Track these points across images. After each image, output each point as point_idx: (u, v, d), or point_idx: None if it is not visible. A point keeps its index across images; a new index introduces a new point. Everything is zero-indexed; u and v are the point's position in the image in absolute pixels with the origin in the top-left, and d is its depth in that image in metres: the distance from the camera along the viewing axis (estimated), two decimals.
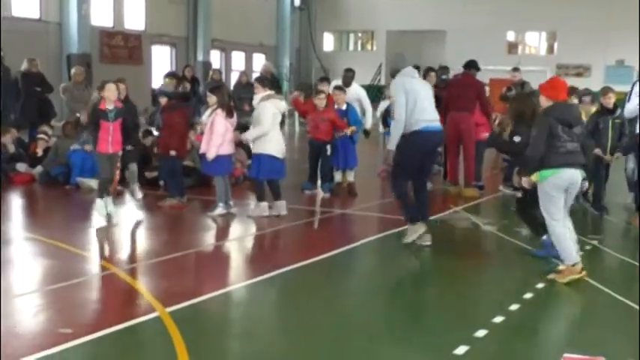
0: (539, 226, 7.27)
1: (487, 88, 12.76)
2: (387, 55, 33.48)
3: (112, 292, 6.48)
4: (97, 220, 9.10)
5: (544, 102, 6.80)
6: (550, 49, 33.43)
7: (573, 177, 6.69)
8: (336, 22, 35.64)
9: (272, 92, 9.69)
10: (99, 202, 9.14)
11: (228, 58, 31.03)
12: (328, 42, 37.11)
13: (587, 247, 8.02)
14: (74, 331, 5.15)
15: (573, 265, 6.75)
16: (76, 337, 5.06)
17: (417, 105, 7.72)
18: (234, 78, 23.48)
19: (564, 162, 6.60)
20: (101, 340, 5.09)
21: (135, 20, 26.15)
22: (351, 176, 11.47)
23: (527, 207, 7.48)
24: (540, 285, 6.70)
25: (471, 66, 11.77)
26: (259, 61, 30.52)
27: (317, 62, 34.01)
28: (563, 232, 6.76)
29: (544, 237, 7.32)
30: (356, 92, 12.39)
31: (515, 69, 14.38)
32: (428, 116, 7.84)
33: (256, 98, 9.56)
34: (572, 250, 6.77)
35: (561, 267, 6.85)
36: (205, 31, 28.54)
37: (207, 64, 27.24)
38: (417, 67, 12.02)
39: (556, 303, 6.41)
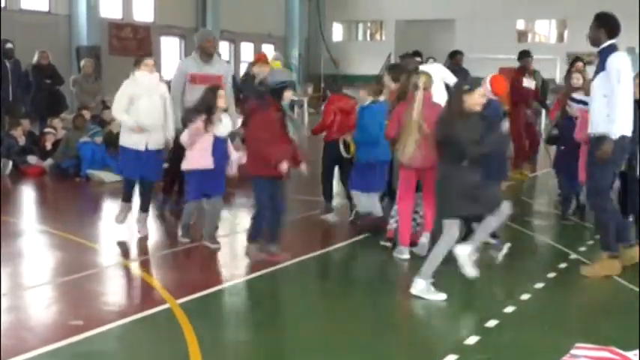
0: None
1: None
2: (396, 45, 33.34)
3: (122, 284, 6.49)
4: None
5: None
6: (560, 38, 33.21)
7: None
8: (345, 12, 35.50)
9: None
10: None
11: (237, 49, 30.98)
12: (337, 32, 36.99)
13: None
14: (85, 323, 5.17)
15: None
16: (86, 329, 5.07)
17: None
18: (242, 69, 23.41)
19: None
20: (112, 332, 5.11)
21: (144, 12, 26.14)
22: None
23: None
24: (551, 275, 6.67)
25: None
26: (268, 52, 30.47)
27: (326, 52, 33.91)
28: None
29: None
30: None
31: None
32: None
33: None
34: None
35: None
36: (214, 22, 28.50)
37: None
38: (418, 54, 11.89)
39: (567, 293, 6.37)
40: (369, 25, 37.07)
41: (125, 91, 7.76)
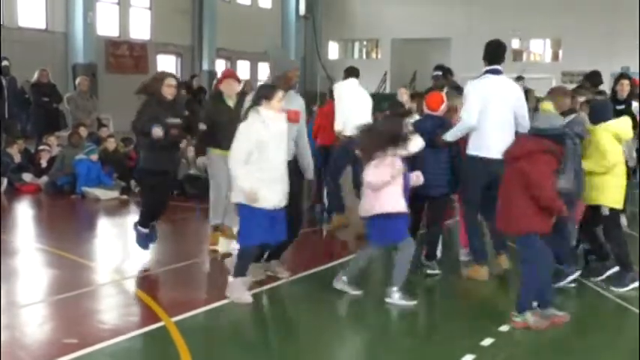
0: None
1: None
2: (392, 64, 33.50)
3: (117, 302, 6.46)
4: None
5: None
6: (555, 57, 33.38)
7: None
8: (341, 31, 35.66)
9: None
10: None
11: (233, 67, 31.06)
12: (333, 50, 37.13)
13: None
14: (79, 342, 5.15)
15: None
16: (81, 347, 5.05)
17: None
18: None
19: None
20: (106, 350, 5.09)
21: (140, 30, 26.22)
22: None
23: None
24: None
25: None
26: (264, 70, 30.54)
27: (322, 71, 34.02)
28: None
29: None
30: None
31: (519, 77, 14.35)
32: None
33: None
34: None
35: None
36: (210, 40, 28.60)
37: (212, 74, 27.28)
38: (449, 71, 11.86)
39: (563, 310, 6.37)
40: (364, 43, 37.22)
41: (250, 137, 6.04)
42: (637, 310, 6.02)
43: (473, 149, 7.00)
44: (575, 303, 6.60)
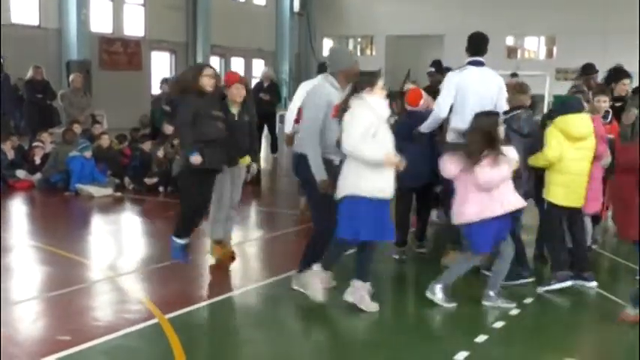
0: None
1: None
2: (387, 60, 33.47)
3: (110, 298, 6.45)
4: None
5: None
6: (549, 54, 33.41)
7: None
8: (336, 28, 35.62)
9: None
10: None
11: (227, 63, 31.02)
12: (327, 47, 37.06)
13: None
14: (72, 339, 5.14)
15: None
16: (74, 344, 5.05)
17: None
18: None
19: None
20: (100, 347, 5.08)
21: (134, 26, 26.15)
22: None
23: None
24: (540, 289, 6.67)
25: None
26: (258, 67, 30.53)
27: (316, 67, 34.01)
28: None
29: None
30: None
31: (514, 74, 14.40)
32: None
33: None
34: None
35: None
36: (205, 37, 28.54)
37: None
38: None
39: (557, 308, 6.38)
40: (359, 40, 37.19)
41: (362, 122, 5.73)
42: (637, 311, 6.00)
43: (450, 138, 7.10)
44: (572, 300, 6.60)
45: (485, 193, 5.93)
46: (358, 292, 5.96)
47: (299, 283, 6.27)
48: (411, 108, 7.62)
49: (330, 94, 6.11)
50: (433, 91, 8.27)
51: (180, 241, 6.87)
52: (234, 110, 7.21)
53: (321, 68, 10.34)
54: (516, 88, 7.02)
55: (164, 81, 15.58)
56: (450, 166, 6.09)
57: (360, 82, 5.88)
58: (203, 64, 7.06)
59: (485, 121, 6.04)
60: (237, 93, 7.20)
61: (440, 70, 10.98)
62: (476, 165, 5.88)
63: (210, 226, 7.50)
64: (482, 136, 5.96)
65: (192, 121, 6.60)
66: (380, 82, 5.87)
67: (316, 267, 6.04)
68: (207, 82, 6.75)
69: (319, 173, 5.99)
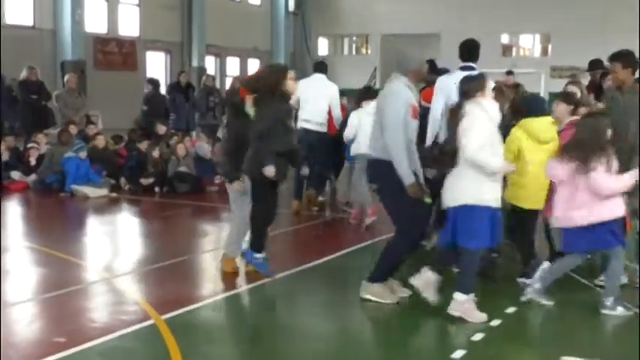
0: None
1: None
2: (382, 59, 33.47)
3: (106, 299, 6.43)
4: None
5: None
6: (544, 51, 33.43)
7: None
8: (331, 27, 35.60)
9: None
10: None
11: (222, 63, 30.99)
12: (323, 46, 37.07)
13: None
14: (68, 340, 5.12)
15: None
16: (70, 346, 5.02)
17: None
18: (228, 83, 23.38)
19: None
20: (96, 348, 5.06)
21: (129, 26, 26.09)
22: None
23: None
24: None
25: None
26: (254, 67, 30.49)
27: (312, 67, 33.99)
28: None
29: None
30: None
31: (509, 72, 14.44)
32: None
33: None
34: None
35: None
36: (200, 36, 28.50)
37: (201, 70, 27.20)
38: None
39: (553, 306, 6.37)
40: (354, 39, 37.18)
41: (482, 128, 5.63)
42: (637, 312, 6.00)
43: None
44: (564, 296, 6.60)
45: (598, 198, 5.79)
46: (462, 306, 5.73)
47: (373, 291, 6.07)
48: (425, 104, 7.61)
49: (409, 96, 6.02)
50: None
51: (261, 255, 6.75)
52: (252, 115, 6.80)
53: (318, 67, 10.48)
54: (496, 91, 7.01)
55: (150, 81, 15.65)
56: (559, 171, 5.95)
57: (471, 87, 5.78)
58: (284, 66, 6.70)
59: (596, 123, 5.89)
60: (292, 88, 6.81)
61: (434, 70, 11.00)
62: (592, 170, 5.74)
63: (230, 243, 7.14)
64: (596, 140, 5.79)
65: (272, 130, 6.30)
66: (490, 85, 5.85)
67: (425, 271, 5.84)
68: (292, 87, 6.54)
69: (408, 177, 5.81)
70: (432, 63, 11.28)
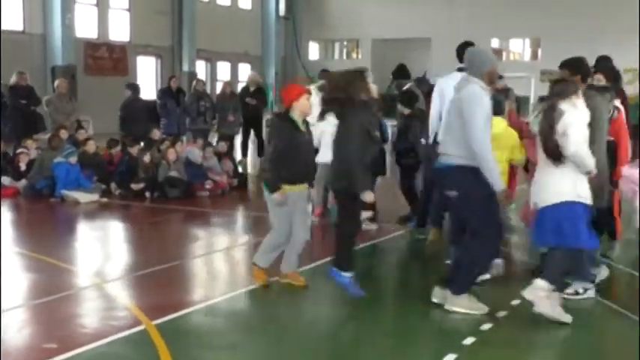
0: None
1: None
2: (373, 64, 33.51)
3: (97, 305, 6.41)
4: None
5: None
6: (534, 55, 33.59)
7: None
8: (322, 31, 35.66)
9: None
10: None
11: (213, 68, 31.00)
12: (313, 51, 37.14)
13: None
14: (59, 346, 5.10)
15: None
16: (60, 351, 5.00)
17: None
18: (219, 88, 23.36)
19: None
20: (86, 354, 5.04)
21: (119, 31, 26.08)
22: None
23: None
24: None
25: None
26: (245, 71, 30.50)
27: (303, 71, 34.00)
28: None
29: None
30: None
31: (499, 76, 14.39)
32: None
33: None
34: None
35: None
36: (190, 41, 28.51)
37: (192, 75, 27.20)
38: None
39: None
40: (345, 43, 37.25)
41: (582, 128, 5.78)
42: (637, 318, 6.01)
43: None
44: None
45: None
46: (549, 302, 5.78)
47: (461, 304, 6.00)
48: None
49: (488, 101, 5.89)
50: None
51: (349, 274, 6.34)
52: (303, 126, 6.48)
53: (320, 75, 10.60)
54: None
55: (129, 86, 15.63)
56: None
57: (565, 89, 5.86)
58: (362, 69, 6.31)
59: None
60: (306, 106, 6.43)
61: (404, 75, 11.21)
62: None
63: (262, 252, 6.82)
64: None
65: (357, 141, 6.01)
66: (579, 88, 5.96)
67: (542, 283, 5.78)
68: (375, 91, 6.29)
69: (498, 183, 5.75)
70: (401, 67, 11.45)
